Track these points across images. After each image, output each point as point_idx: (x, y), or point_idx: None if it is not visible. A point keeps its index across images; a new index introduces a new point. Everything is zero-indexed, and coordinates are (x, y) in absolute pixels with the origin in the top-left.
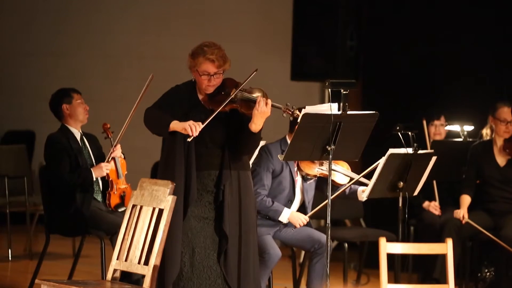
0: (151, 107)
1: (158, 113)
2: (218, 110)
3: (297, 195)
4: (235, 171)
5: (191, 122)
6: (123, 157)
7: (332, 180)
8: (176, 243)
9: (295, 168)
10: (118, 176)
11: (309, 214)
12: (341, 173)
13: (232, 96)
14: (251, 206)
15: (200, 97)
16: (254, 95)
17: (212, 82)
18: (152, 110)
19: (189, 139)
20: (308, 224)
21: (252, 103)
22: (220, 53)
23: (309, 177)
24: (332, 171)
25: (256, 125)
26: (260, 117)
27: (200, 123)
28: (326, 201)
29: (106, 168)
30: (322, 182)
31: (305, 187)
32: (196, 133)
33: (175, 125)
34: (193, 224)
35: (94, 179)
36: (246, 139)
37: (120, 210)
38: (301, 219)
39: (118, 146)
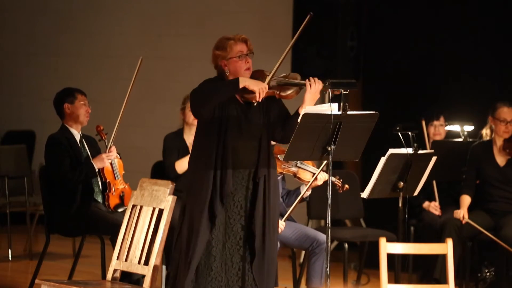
0: (198, 86)
1: (213, 83)
2: (272, 76)
3: None
4: (269, 167)
5: (262, 85)
6: (119, 157)
7: (299, 178)
8: (202, 238)
9: None
10: (115, 177)
11: (284, 217)
12: (308, 170)
13: (271, 75)
14: (277, 206)
15: None
16: (298, 79)
17: (249, 62)
18: (204, 85)
19: (254, 102)
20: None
21: (291, 86)
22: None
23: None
24: (300, 169)
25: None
26: (312, 98)
27: (265, 88)
28: (295, 202)
29: (107, 157)
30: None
31: None
32: (261, 98)
33: (248, 81)
34: (225, 219)
35: (97, 170)
36: (294, 125)
37: (120, 210)
38: (279, 226)
39: (113, 147)
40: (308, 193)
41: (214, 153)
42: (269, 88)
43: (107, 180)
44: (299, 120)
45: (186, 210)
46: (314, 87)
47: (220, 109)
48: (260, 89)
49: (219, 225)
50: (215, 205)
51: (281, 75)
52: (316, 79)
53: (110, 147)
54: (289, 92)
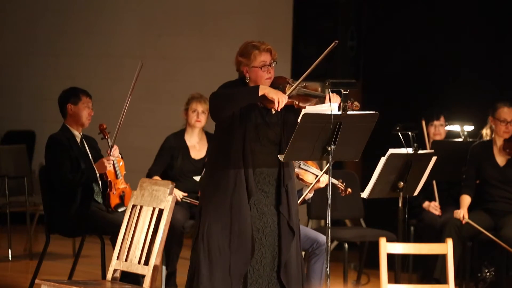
0: (218, 90)
1: (233, 88)
2: (297, 84)
3: None
4: (291, 174)
5: (281, 94)
6: (120, 157)
7: (301, 179)
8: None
9: None
10: (116, 177)
11: None
12: (311, 172)
13: (290, 92)
14: (296, 210)
15: None
16: (318, 91)
17: (271, 72)
18: (224, 90)
19: (273, 110)
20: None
21: (311, 97)
22: (267, 43)
23: None
24: (303, 170)
25: None
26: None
27: (284, 98)
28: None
29: (108, 163)
30: None
31: None
32: (279, 107)
33: (267, 89)
34: (255, 227)
35: (98, 175)
36: None
37: (120, 210)
38: None
39: (115, 146)
40: (310, 195)
41: (234, 155)
42: (289, 97)
43: (108, 179)
44: (299, 120)
45: (203, 212)
46: (333, 100)
47: (238, 112)
48: (279, 98)
49: (257, 233)
50: (237, 208)
51: (302, 85)
52: (335, 94)
53: (112, 146)
54: (308, 103)
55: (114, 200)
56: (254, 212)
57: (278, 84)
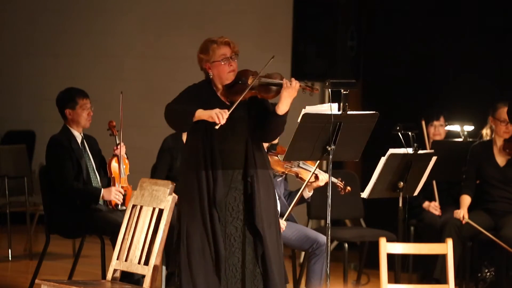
0: (171, 102)
1: (180, 107)
2: (242, 96)
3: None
4: (256, 167)
5: (217, 110)
6: (126, 157)
7: (301, 178)
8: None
9: None
10: (120, 174)
11: (285, 217)
12: (310, 171)
13: (253, 82)
14: (271, 204)
15: (218, 92)
16: (276, 79)
17: (233, 65)
18: (173, 104)
19: (216, 127)
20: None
21: (272, 86)
22: (227, 37)
23: (278, 174)
24: (302, 169)
25: (284, 105)
26: (289, 97)
27: (226, 110)
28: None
29: (115, 194)
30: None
31: (275, 183)
32: (223, 121)
33: (201, 113)
34: (219, 223)
35: (101, 199)
36: (273, 123)
37: (120, 209)
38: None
39: (123, 145)
40: (310, 194)
41: (202, 157)
42: (252, 88)
43: (112, 176)
44: (299, 120)
45: (181, 215)
46: (291, 87)
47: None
48: (216, 114)
49: (215, 229)
50: (209, 209)
51: (263, 75)
52: (293, 79)
53: (120, 144)
54: (269, 92)
55: None
56: (228, 211)
57: (240, 77)
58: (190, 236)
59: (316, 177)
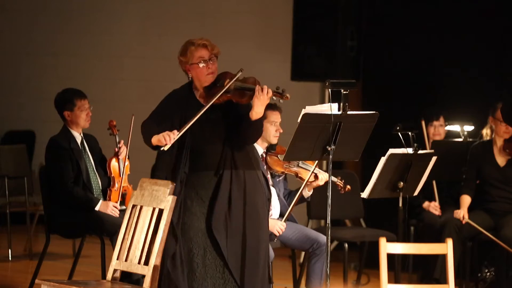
0: (146, 120)
1: (148, 128)
2: (215, 99)
3: (273, 193)
4: (233, 168)
5: (165, 133)
6: (127, 158)
7: (300, 178)
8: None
9: (264, 166)
10: (120, 174)
11: (285, 217)
12: (310, 170)
13: (228, 85)
14: (259, 202)
15: (197, 95)
16: (249, 84)
17: (211, 68)
18: (145, 125)
19: (162, 148)
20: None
21: (246, 91)
22: (206, 38)
23: (277, 173)
24: (302, 169)
25: (256, 113)
26: (260, 104)
27: (176, 131)
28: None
29: (112, 209)
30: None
31: (275, 183)
32: (170, 142)
33: (154, 139)
34: (203, 225)
35: (97, 208)
36: (247, 128)
37: (120, 208)
38: (279, 226)
39: (124, 147)
40: (310, 193)
41: (180, 158)
42: (227, 92)
43: (112, 175)
44: (299, 120)
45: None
46: (262, 94)
47: (185, 114)
48: (163, 137)
49: (197, 231)
50: (190, 210)
51: (241, 79)
52: (265, 87)
53: (120, 143)
54: (243, 96)
55: (115, 197)
56: (206, 212)
57: (220, 79)
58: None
59: (316, 177)
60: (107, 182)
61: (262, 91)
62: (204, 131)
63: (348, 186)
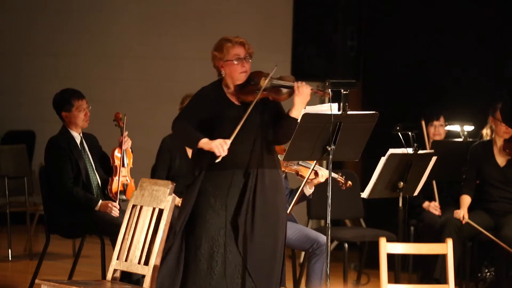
0: (178, 118)
1: (187, 128)
2: (252, 105)
3: None
4: (259, 167)
5: (218, 142)
6: (131, 151)
7: (301, 176)
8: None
9: None
10: (123, 164)
11: (289, 210)
12: (309, 167)
13: (265, 84)
14: (280, 204)
15: (228, 93)
16: (287, 81)
17: (245, 66)
18: (180, 124)
19: (217, 160)
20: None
21: (283, 88)
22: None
23: None
24: (302, 167)
25: (297, 110)
26: (301, 102)
27: (227, 140)
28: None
29: (111, 208)
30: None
31: None
32: (224, 153)
33: (203, 145)
34: (224, 223)
35: (97, 208)
36: (286, 126)
37: (121, 198)
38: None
39: (129, 140)
40: (311, 190)
41: (207, 155)
42: (264, 90)
43: (114, 164)
44: (299, 120)
45: (183, 212)
46: (302, 90)
47: (215, 112)
48: (216, 146)
49: (219, 229)
50: (214, 208)
51: (276, 77)
52: (303, 83)
53: (124, 133)
54: (281, 94)
55: (116, 186)
56: (228, 211)
57: (252, 78)
58: (187, 234)
59: (316, 173)
60: (107, 182)
61: (299, 88)
62: (238, 132)
63: (349, 182)
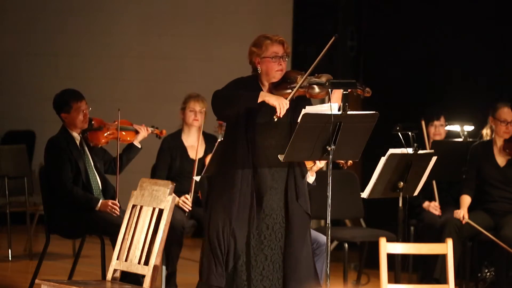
0: (220, 89)
1: (236, 91)
2: (295, 90)
3: None
4: (295, 166)
5: (282, 100)
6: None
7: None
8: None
9: None
10: (117, 128)
11: None
12: None
13: (302, 81)
14: (307, 202)
15: (264, 89)
16: (324, 79)
17: (282, 65)
18: (226, 91)
19: (275, 117)
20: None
21: (320, 86)
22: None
23: None
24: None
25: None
26: (339, 99)
27: (288, 102)
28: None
29: (111, 207)
30: None
31: None
32: (282, 114)
33: (267, 97)
34: (260, 220)
35: (97, 207)
36: None
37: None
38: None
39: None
40: (313, 178)
41: (245, 153)
42: (300, 87)
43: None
44: (299, 120)
45: (215, 211)
46: (336, 96)
47: (247, 108)
48: (280, 104)
49: (256, 226)
50: (251, 206)
51: (313, 75)
52: (335, 90)
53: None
54: (318, 92)
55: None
56: (265, 210)
57: (290, 77)
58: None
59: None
60: (107, 182)
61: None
62: (269, 128)
63: (350, 161)
